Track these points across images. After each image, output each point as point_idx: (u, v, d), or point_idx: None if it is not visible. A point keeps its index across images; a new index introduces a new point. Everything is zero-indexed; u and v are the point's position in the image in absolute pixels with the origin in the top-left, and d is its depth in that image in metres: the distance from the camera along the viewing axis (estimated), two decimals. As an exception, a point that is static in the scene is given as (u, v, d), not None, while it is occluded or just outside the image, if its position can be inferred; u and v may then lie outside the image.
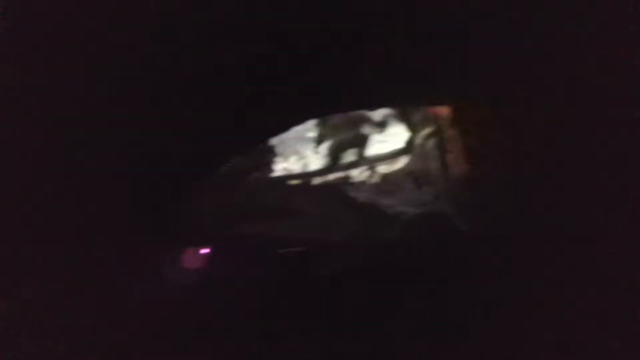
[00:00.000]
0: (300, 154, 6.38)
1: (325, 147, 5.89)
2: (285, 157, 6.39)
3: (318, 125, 6.06)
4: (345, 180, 5.53)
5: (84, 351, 2.00)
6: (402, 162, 5.52)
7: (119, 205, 2.23)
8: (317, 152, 5.89)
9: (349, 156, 5.77)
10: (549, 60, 2.11)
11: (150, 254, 2.71)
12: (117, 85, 1.88)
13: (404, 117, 5.45)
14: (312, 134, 6.18)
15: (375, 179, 5.46)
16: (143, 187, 2.43)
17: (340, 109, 4.30)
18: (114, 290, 2.19)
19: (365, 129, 5.90)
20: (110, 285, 2.18)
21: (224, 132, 2.85)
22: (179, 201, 3.50)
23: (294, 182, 5.66)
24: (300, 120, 4.05)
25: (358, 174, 5.60)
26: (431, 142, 5.09)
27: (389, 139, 5.84)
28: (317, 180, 5.63)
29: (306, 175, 5.76)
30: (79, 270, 1.98)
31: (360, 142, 5.79)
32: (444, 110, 4.25)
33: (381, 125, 5.93)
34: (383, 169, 5.57)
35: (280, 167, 6.17)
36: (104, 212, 2.12)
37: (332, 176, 5.64)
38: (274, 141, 6.01)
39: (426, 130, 5.21)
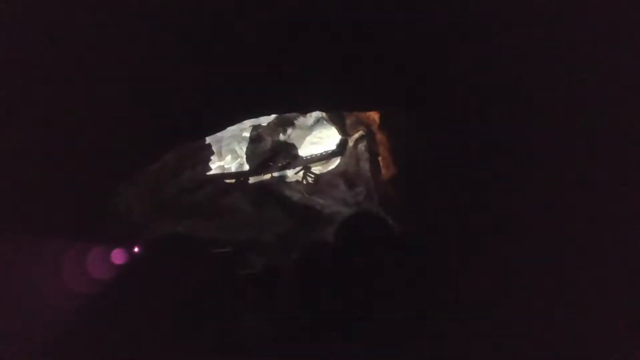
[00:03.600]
0: (235, 152, 6.37)
1: (260, 146, 5.94)
2: (221, 156, 6.35)
3: (254, 125, 6.10)
4: (280, 180, 5.61)
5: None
6: (334, 163, 5.71)
7: (44, 200, 2.16)
8: (252, 152, 5.92)
9: (284, 156, 5.87)
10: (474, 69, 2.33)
11: (77, 251, 2.62)
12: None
13: (336, 120, 5.63)
14: (248, 133, 6.21)
15: (309, 179, 5.59)
16: (72, 182, 2.36)
17: (276, 110, 4.37)
18: (36, 287, 2.12)
19: (300, 131, 6.02)
20: (31, 282, 2.11)
21: (158, 128, 2.82)
22: (107, 198, 3.40)
23: (229, 181, 5.65)
24: (236, 119, 4.07)
25: (292, 174, 5.71)
26: (362, 145, 5.33)
27: (322, 140, 6.02)
28: (252, 180, 5.66)
29: (241, 174, 5.78)
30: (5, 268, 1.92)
31: (295, 143, 5.91)
32: (374, 115, 4.47)
33: (314, 127, 6.10)
34: (317, 169, 5.72)
35: (216, 165, 6.13)
36: (30, 206, 2.05)
37: (266, 176, 5.70)
38: (210, 139, 5.96)
39: (357, 134, 5.44)
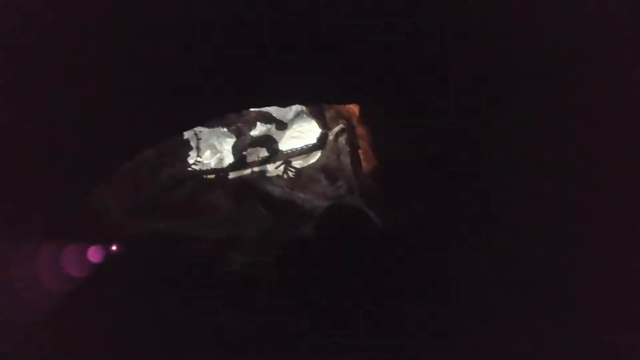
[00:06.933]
0: (214, 148, 6.30)
1: (240, 142, 5.88)
2: (200, 152, 6.26)
3: (233, 120, 6.03)
4: (261, 175, 5.57)
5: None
6: (315, 158, 5.70)
7: (21, 200, 2.09)
8: (232, 147, 5.86)
9: (264, 151, 5.83)
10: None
11: (55, 250, 2.56)
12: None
13: (316, 114, 5.61)
14: (227, 128, 6.14)
15: (290, 174, 5.57)
16: (49, 181, 2.29)
17: (255, 105, 4.32)
18: (13, 286, 2.06)
19: (279, 125, 5.98)
20: (7, 282, 2.05)
21: (135, 123, 2.75)
22: (84, 196, 3.32)
23: (209, 177, 5.58)
24: (215, 114, 3.99)
25: (273, 169, 5.68)
26: (342, 139, 5.32)
27: (303, 135, 6.00)
28: (231, 175, 5.61)
29: (221, 170, 5.71)
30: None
31: (275, 137, 5.88)
32: (353, 108, 4.46)
33: (294, 121, 6.07)
34: (297, 164, 5.70)
35: (194, 161, 6.03)
36: (7, 205, 1.99)
37: (247, 171, 5.65)
38: (188, 135, 5.87)
39: (337, 127, 5.44)
